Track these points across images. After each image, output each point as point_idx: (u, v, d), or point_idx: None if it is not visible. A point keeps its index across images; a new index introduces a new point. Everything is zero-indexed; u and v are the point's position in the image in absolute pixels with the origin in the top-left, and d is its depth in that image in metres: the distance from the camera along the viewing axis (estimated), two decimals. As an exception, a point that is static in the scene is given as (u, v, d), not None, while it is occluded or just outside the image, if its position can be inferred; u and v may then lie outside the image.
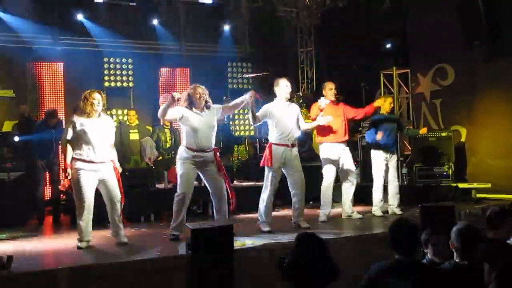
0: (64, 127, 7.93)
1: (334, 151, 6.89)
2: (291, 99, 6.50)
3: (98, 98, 5.47)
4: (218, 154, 5.82)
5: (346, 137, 7.02)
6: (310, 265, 2.42)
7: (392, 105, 7.61)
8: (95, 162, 5.40)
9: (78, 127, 5.39)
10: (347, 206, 7.06)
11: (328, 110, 6.68)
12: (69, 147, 5.44)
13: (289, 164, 6.21)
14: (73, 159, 5.41)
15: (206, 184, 5.83)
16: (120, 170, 5.72)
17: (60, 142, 7.74)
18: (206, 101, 5.72)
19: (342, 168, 6.96)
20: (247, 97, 5.79)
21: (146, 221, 7.37)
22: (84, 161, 5.37)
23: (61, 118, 8.73)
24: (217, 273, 4.08)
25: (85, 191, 5.35)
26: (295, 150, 6.32)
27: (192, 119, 5.62)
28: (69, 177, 5.44)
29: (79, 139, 5.39)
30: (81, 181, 5.35)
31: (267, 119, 6.24)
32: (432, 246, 3.69)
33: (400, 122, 7.84)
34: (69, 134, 5.44)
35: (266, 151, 6.22)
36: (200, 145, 5.62)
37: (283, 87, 6.28)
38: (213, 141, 5.77)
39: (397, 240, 3.21)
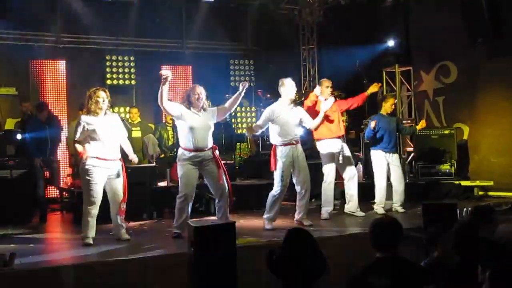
0: (57, 121, 7.91)
1: (333, 147, 6.88)
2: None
3: (103, 96, 5.48)
4: (217, 151, 5.81)
5: (342, 132, 7.04)
6: (298, 261, 2.41)
7: (393, 107, 7.56)
8: (106, 159, 5.44)
9: (87, 127, 5.41)
10: (351, 203, 7.05)
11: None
12: (78, 145, 5.47)
13: (296, 163, 6.19)
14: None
15: (207, 183, 5.84)
16: (136, 160, 5.87)
17: (55, 139, 7.69)
18: (204, 103, 5.72)
19: (342, 164, 6.97)
20: (240, 87, 5.77)
21: (148, 218, 7.37)
22: (96, 158, 5.40)
23: (53, 112, 8.60)
24: (219, 270, 4.08)
25: (95, 188, 5.39)
26: (300, 146, 6.31)
27: (189, 118, 5.62)
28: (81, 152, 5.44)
29: (89, 138, 5.43)
30: (92, 178, 5.38)
31: (270, 123, 6.22)
32: (442, 244, 3.65)
33: (399, 124, 7.75)
34: (78, 135, 5.44)
35: (271, 154, 6.22)
36: (197, 145, 5.62)
37: (289, 87, 6.25)
38: (210, 141, 5.75)
39: (379, 238, 3.21)
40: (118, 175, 5.54)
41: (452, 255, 3.61)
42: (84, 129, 5.41)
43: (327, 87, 6.91)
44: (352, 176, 6.99)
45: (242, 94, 5.78)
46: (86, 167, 5.39)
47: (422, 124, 7.85)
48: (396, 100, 7.93)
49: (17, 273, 4.31)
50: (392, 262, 3.14)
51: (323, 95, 6.86)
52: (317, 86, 6.91)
